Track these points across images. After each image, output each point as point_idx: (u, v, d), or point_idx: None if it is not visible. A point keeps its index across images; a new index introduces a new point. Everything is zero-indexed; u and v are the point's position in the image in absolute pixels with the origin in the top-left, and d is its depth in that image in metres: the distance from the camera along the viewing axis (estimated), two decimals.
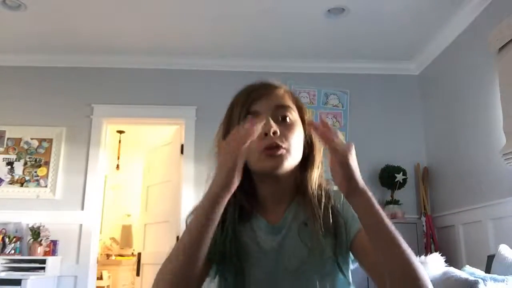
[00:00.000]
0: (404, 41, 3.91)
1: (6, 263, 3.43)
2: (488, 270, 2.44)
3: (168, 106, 4.13)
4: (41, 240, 3.60)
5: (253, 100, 0.97)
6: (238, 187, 0.84)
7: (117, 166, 6.35)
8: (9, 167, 3.89)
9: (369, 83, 4.25)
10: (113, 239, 6.86)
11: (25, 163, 3.90)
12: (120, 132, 6.01)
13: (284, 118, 0.95)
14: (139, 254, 4.39)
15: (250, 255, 0.92)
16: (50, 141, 3.96)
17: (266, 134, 0.90)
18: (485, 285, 1.95)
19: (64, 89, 4.11)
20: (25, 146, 3.93)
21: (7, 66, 4.12)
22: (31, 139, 3.95)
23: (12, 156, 3.91)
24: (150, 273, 4.24)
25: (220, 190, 0.80)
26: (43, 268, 3.43)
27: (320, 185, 0.98)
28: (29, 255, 3.57)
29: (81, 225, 3.81)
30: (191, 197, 3.90)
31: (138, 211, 5.07)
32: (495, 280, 2.01)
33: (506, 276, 2.06)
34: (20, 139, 3.94)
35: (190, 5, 3.39)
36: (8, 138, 3.94)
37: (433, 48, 3.91)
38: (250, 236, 0.94)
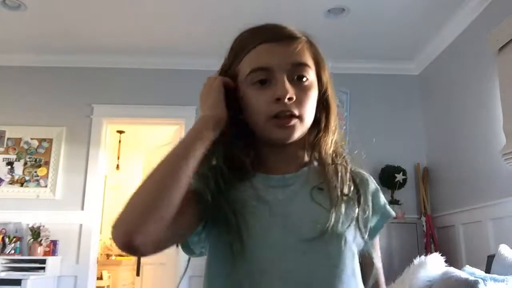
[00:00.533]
0: (404, 41, 3.90)
1: (6, 263, 3.43)
2: (488, 270, 2.44)
3: (168, 106, 4.13)
4: (41, 240, 3.60)
5: (263, 42, 0.80)
6: (234, 139, 0.79)
7: (117, 166, 6.35)
8: (9, 167, 3.89)
9: (369, 83, 4.25)
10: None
11: (25, 163, 3.90)
12: (120, 132, 6.01)
13: (300, 78, 0.80)
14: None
15: (248, 210, 0.76)
16: (50, 141, 3.96)
17: (278, 99, 0.77)
18: (485, 285, 1.95)
19: (64, 89, 4.11)
20: (25, 146, 3.93)
21: (7, 66, 4.12)
22: (31, 139, 3.95)
23: (12, 156, 3.91)
24: (150, 273, 4.24)
25: (202, 124, 0.74)
26: (43, 268, 3.43)
27: (335, 151, 0.85)
28: (29, 255, 3.57)
29: (81, 225, 3.81)
30: None
31: None
32: (495, 280, 2.01)
33: (506, 276, 2.06)
34: (20, 139, 3.94)
35: (190, 5, 3.39)
36: (8, 138, 3.94)
37: (433, 48, 3.91)
38: (249, 193, 0.78)
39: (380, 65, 4.25)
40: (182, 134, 4.09)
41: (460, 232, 3.42)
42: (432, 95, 4.06)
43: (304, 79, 0.80)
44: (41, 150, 3.94)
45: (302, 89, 0.80)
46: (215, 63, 3.70)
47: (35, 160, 3.92)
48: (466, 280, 2.01)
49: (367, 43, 3.91)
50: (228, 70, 0.86)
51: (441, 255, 2.57)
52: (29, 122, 3.99)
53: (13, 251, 3.57)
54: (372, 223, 0.82)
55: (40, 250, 3.57)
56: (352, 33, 3.74)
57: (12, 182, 3.86)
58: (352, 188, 0.81)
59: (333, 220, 0.74)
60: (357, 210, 0.78)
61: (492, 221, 3.04)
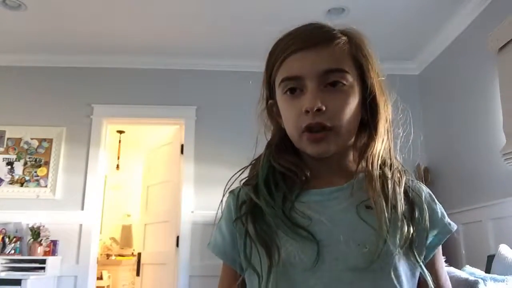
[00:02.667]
0: (404, 41, 3.90)
1: (6, 263, 3.43)
2: (488, 270, 2.44)
3: (168, 106, 4.13)
4: (41, 240, 3.60)
5: (294, 52, 0.74)
6: (280, 152, 0.77)
7: (117, 166, 6.35)
8: (9, 167, 3.89)
9: None
10: (113, 239, 6.87)
11: (25, 163, 3.90)
12: (120, 132, 6.01)
13: (335, 84, 0.73)
14: (139, 254, 4.40)
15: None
16: (50, 141, 3.96)
17: (307, 111, 0.71)
18: (485, 285, 1.95)
19: (64, 89, 4.11)
20: (25, 146, 3.93)
21: (7, 66, 4.12)
22: (31, 139, 3.95)
23: (12, 156, 3.91)
24: (150, 273, 4.24)
25: None
26: (43, 268, 3.43)
27: (385, 162, 0.76)
28: (29, 255, 3.57)
29: (81, 225, 3.81)
30: (191, 197, 3.91)
31: (138, 211, 5.08)
32: (495, 280, 2.01)
33: (506, 276, 2.06)
34: (20, 139, 3.94)
35: (190, 5, 3.39)
36: (8, 138, 3.94)
37: (433, 48, 3.91)
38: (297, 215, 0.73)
39: (380, 65, 4.25)
40: (182, 134, 4.09)
41: (460, 232, 3.42)
42: (432, 95, 4.06)
43: (340, 84, 0.73)
44: (41, 150, 3.94)
45: (336, 96, 0.73)
46: (215, 63, 3.76)
47: (35, 160, 3.92)
48: (466, 280, 2.01)
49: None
50: (269, 79, 0.81)
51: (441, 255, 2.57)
52: (29, 122, 3.99)
53: (13, 251, 3.56)
54: (428, 239, 0.74)
55: (40, 250, 3.57)
56: None
57: (12, 182, 3.86)
58: (404, 206, 0.71)
59: (382, 245, 0.66)
60: (411, 230, 0.69)
61: (492, 221, 3.04)
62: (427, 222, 0.73)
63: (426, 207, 0.74)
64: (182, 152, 4.04)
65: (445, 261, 2.57)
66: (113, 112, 4.12)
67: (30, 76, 4.13)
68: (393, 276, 0.67)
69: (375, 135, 0.77)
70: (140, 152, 5.16)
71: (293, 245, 0.68)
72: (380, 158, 0.76)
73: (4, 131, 3.95)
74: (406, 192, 0.73)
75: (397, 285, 0.67)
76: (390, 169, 0.75)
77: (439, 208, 0.78)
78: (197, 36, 3.86)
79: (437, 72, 3.97)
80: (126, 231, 6.84)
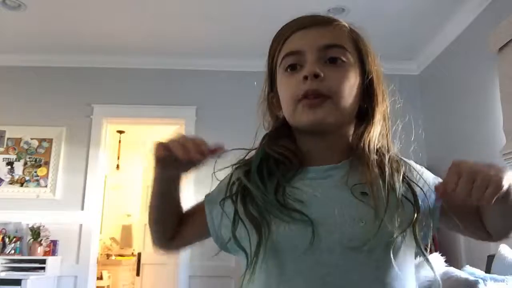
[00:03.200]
0: (405, 41, 3.90)
1: (6, 263, 3.43)
2: (488, 270, 2.44)
3: (168, 106, 4.13)
4: (41, 240, 3.60)
5: (297, 30, 0.76)
6: (275, 139, 0.78)
7: (117, 166, 6.35)
8: (9, 167, 3.89)
9: None
10: (113, 239, 6.87)
11: (25, 163, 3.90)
12: (120, 132, 6.01)
13: (333, 60, 0.74)
14: (139, 254, 4.40)
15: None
16: (50, 141, 3.96)
17: (306, 78, 0.71)
18: (485, 285, 1.95)
19: (64, 89, 4.11)
20: (25, 146, 3.93)
21: (7, 66, 4.12)
22: (31, 139, 3.95)
23: (12, 156, 3.91)
24: (150, 273, 4.24)
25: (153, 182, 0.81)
26: (43, 268, 3.43)
27: (381, 148, 0.76)
28: (29, 255, 3.57)
29: (81, 225, 3.81)
30: (190, 197, 3.88)
31: (138, 211, 5.08)
32: (495, 280, 2.01)
33: (506, 276, 2.06)
34: (20, 139, 3.94)
35: (190, 5, 3.39)
36: (8, 138, 3.94)
37: (433, 48, 3.91)
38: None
39: (381, 66, 4.25)
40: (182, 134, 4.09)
41: None
42: (432, 95, 4.06)
43: (339, 61, 0.74)
44: (41, 150, 3.94)
45: (334, 69, 0.73)
46: (216, 63, 3.75)
47: (35, 160, 3.92)
48: (466, 280, 2.01)
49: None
50: (271, 65, 0.82)
51: (441, 255, 2.57)
52: (29, 122, 3.99)
53: (13, 251, 3.57)
54: (432, 207, 0.73)
55: (40, 250, 3.57)
56: None
57: (12, 182, 3.86)
58: (404, 191, 0.70)
59: (379, 222, 0.65)
60: (414, 215, 0.68)
61: None
62: (430, 198, 0.72)
63: (423, 179, 0.75)
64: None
65: (445, 261, 2.57)
66: (113, 112, 4.12)
67: (30, 76, 4.13)
68: (392, 257, 0.65)
69: (372, 120, 0.77)
70: (140, 152, 5.17)
71: (289, 226, 0.68)
72: (377, 143, 0.75)
73: (4, 131, 3.95)
74: (404, 177, 0.73)
75: (396, 267, 0.66)
76: (387, 155, 0.75)
77: (430, 174, 0.79)
78: (197, 36, 3.86)
79: (437, 72, 3.97)
80: (126, 231, 6.84)
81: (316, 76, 0.71)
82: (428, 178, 0.77)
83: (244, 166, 0.78)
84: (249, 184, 0.74)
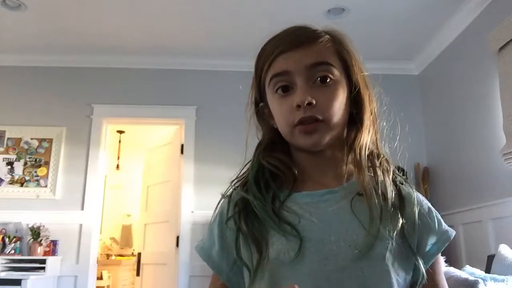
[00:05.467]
0: (404, 41, 3.90)
1: (6, 263, 3.43)
2: (488, 270, 2.44)
3: (168, 106, 4.13)
4: (41, 240, 3.60)
5: (281, 53, 0.77)
6: (271, 151, 0.80)
7: (117, 166, 6.36)
8: (9, 167, 3.89)
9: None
10: (113, 239, 6.87)
11: (25, 163, 3.90)
12: (120, 132, 6.01)
13: (323, 79, 0.76)
14: (139, 254, 4.40)
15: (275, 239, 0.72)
16: (50, 141, 3.96)
17: (299, 106, 0.74)
18: (485, 285, 1.95)
19: (64, 89, 4.11)
20: (25, 146, 3.93)
21: (7, 66, 4.12)
22: (31, 139, 3.95)
23: (12, 156, 3.91)
24: (150, 273, 4.24)
25: None
26: (43, 268, 3.43)
27: (372, 153, 0.79)
28: (29, 255, 3.57)
29: (81, 225, 3.81)
30: (191, 197, 3.91)
31: (138, 211, 5.08)
32: (495, 280, 2.01)
33: (506, 276, 2.06)
34: (20, 139, 3.94)
35: (190, 5, 3.39)
36: (8, 138, 3.94)
37: (433, 48, 3.91)
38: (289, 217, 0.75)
39: (380, 65, 4.24)
40: (182, 134, 4.09)
41: (460, 232, 3.42)
42: (432, 95, 4.06)
43: (328, 79, 0.76)
44: (41, 150, 3.94)
45: (325, 91, 0.75)
46: (215, 63, 3.75)
47: (35, 160, 3.92)
48: (466, 280, 2.01)
49: (367, 43, 3.90)
50: (259, 81, 0.83)
51: (441, 255, 2.56)
52: (29, 122, 3.99)
53: (13, 251, 3.57)
54: (426, 247, 0.75)
55: (40, 250, 3.57)
56: (352, 33, 3.68)
57: (12, 182, 3.86)
58: (394, 195, 0.74)
59: (370, 239, 0.68)
60: (401, 221, 0.71)
61: (492, 221, 3.04)
62: (416, 218, 0.74)
63: (419, 208, 0.76)
64: (182, 152, 4.04)
65: (445, 261, 2.57)
66: (113, 112, 4.12)
67: (30, 76, 4.13)
68: (385, 277, 0.69)
69: (361, 127, 0.79)
70: (140, 152, 5.16)
71: (283, 242, 0.70)
72: (367, 149, 0.78)
73: (4, 131, 3.95)
74: (395, 183, 0.77)
75: (384, 275, 0.69)
76: (378, 159, 0.78)
77: (436, 215, 0.79)
78: (197, 36, 3.86)
79: (437, 72, 3.97)
80: (126, 231, 6.85)
81: (309, 104, 0.73)
82: (431, 216, 0.78)
83: (241, 180, 0.81)
84: (248, 195, 0.75)
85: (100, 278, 5.38)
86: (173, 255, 3.87)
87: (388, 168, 0.78)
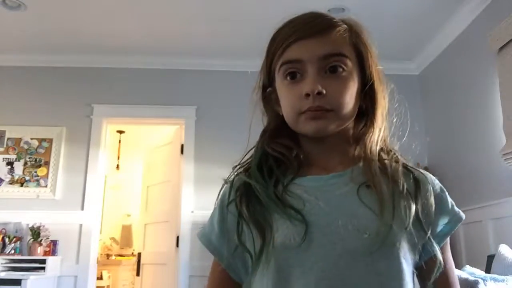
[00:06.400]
0: (404, 41, 3.90)
1: (6, 263, 3.43)
2: (488, 270, 2.44)
3: (168, 106, 4.13)
4: (41, 240, 3.60)
5: (296, 40, 0.75)
6: (275, 138, 0.78)
7: (117, 166, 6.36)
8: (9, 167, 3.88)
9: None
10: (113, 239, 6.87)
11: (25, 163, 3.90)
12: (120, 132, 6.01)
13: (334, 69, 0.74)
14: (139, 254, 4.39)
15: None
16: (50, 141, 3.96)
17: (307, 95, 0.72)
18: (485, 285, 1.95)
19: (64, 89, 4.11)
20: (25, 146, 3.93)
21: (7, 66, 4.12)
22: (31, 139, 3.95)
23: (12, 156, 3.91)
24: (150, 273, 4.24)
25: None
26: (43, 268, 3.43)
27: (383, 149, 0.77)
28: (29, 255, 3.57)
29: (81, 225, 3.81)
30: (191, 197, 3.90)
31: (138, 211, 5.08)
32: (495, 280, 2.01)
33: (506, 276, 2.06)
34: (20, 139, 3.94)
35: (190, 5, 3.39)
36: (8, 138, 3.94)
37: (433, 48, 3.91)
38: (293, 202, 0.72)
39: (380, 65, 4.25)
40: (182, 134, 4.09)
41: (460, 232, 3.42)
42: (432, 95, 4.06)
43: (340, 69, 0.74)
44: (41, 150, 3.94)
45: (336, 82, 0.73)
46: (215, 63, 3.75)
47: (35, 160, 3.92)
48: (466, 280, 2.01)
49: None
50: (269, 66, 0.81)
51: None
52: (29, 122, 3.99)
53: (13, 251, 3.56)
54: (438, 227, 0.73)
55: (40, 250, 3.57)
56: None
57: (12, 182, 3.85)
58: (405, 185, 0.70)
59: (383, 228, 0.65)
60: (414, 207, 0.69)
61: (492, 221, 3.03)
62: (432, 202, 0.72)
63: (431, 190, 0.73)
64: (182, 152, 4.04)
65: None
66: (113, 112, 4.12)
67: (30, 76, 4.13)
68: (394, 256, 0.66)
69: (374, 123, 0.78)
70: (140, 152, 5.16)
71: (288, 227, 0.68)
72: (378, 145, 0.76)
73: (4, 131, 3.95)
74: (408, 170, 0.74)
75: (398, 270, 0.66)
76: (388, 155, 0.77)
77: (448, 197, 0.77)
78: (197, 36, 3.86)
79: (437, 72, 3.96)
80: (126, 231, 6.84)
81: (318, 93, 0.71)
82: (443, 197, 0.76)
83: (243, 171, 0.79)
84: (250, 180, 0.74)
85: (100, 278, 5.38)
86: (173, 255, 3.87)
87: (398, 159, 0.75)
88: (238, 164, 0.81)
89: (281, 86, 0.78)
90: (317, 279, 0.65)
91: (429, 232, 0.70)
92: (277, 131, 0.81)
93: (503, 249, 2.43)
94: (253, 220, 0.70)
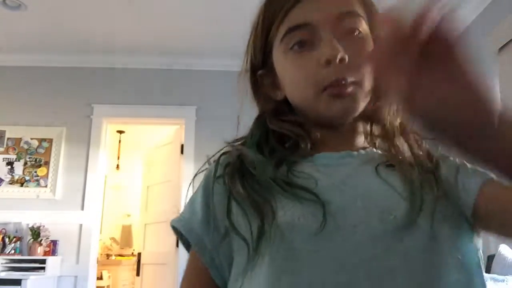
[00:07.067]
0: None
1: (6, 263, 3.43)
2: (488, 270, 2.44)
3: (168, 106, 4.13)
4: (41, 240, 3.60)
5: (300, 5, 0.61)
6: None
7: (117, 166, 6.36)
8: (9, 167, 3.88)
9: None
10: (113, 239, 6.87)
11: (25, 163, 3.90)
12: (120, 132, 6.01)
13: (351, 31, 0.62)
14: (139, 254, 4.39)
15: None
16: (50, 141, 3.96)
17: (328, 62, 0.59)
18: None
19: (64, 89, 4.11)
20: (25, 146, 3.93)
21: (7, 66, 4.12)
22: (31, 139, 3.95)
23: (12, 156, 3.91)
24: (150, 273, 4.24)
25: None
26: (43, 268, 3.43)
27: (402, 124, 0.64)
28: (29, 255, 3.57)
29: (81, 225, 3.81)
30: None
31: (138, 211, 5.07)
32: (495, 280, 2.01)
33: (506, 276, 2.06)
34: (20, 139, 3.94)
35: (190, 5, 3.39)
36: (8, 138, 3.94)
37: None
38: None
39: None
40: (182, 134, 4.09)
41: None
42: None
43: (356, 32, 0.62)
44: (41, 150, 3.94)
45: (354, 44, 0.60)
46: (215, 63, 3.75)
47: (35, 160, 3.92)
48: None
49: None
50: (265, 38, 0.67)
51: None
52: (29, 122, 3.99)
53: (13, 251, 3.57)
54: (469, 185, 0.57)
55: (40, 250, 3.57)
56: None
57: (12, 182, 3.85)
58: (432, 162, 0.59)
59: (411, 208, 0.53)
60: (442, 185, 0.56)
61: None
62: (457, 169, 0.59)
63: (455, 165, 0.60)
64: (182, 152, 4.04)
65: None
66: (113, 112, 4.12)
67: (30, 76, 4.12)
68: (428, 246, 0.53)
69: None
70: (140, 152, 5.17)
71: (296, 206, 0.54)
72: (398, 119, 0.63)
73: (4, 131, 3.95)
74: (429, 153, 0.62)
75: (435, 255, 0.52)
76: (407, 133, 0.64)
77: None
78: (197, 36, 3.86)
79: None
80: (126, 231, 6.84)
81: (341, 61, 0.58)
82: (466, 167, 0.60)
83: (235, 151, 0.64)
84: (245, 153, 0.62)
85: (100, 278, 5.38)
86: (173, 255, 3.87)
87: (420, 138, 0.63)
88: (231, 141, 0.69)
89: (285, 59, 0.64)
90: (332, 271, 0.52)
91: (460, 205, 0.55)
92: (280, 111, 0.67)
93: (503, 249, 2.43)
94: (249, 200, 0.56)
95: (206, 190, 0.63)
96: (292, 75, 0.64)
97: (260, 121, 0.68)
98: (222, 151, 0.66)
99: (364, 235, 0.52)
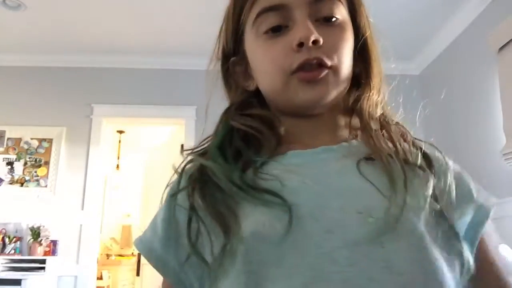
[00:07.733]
0: (404, 41, 3.90)
1: (6, 263, 3.43)
2: None
3: (168, 106, 4.13)
4: (41, 240, 3.60)
5: None
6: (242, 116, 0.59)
7: (117, 166, 6.35)
8: (9, 167, 3.88)
9: None
10: (113, 239, 6.87)
11: (25, 163, 3.90)
12: (120, 132, 6.01)
13: (328, 18, 0.58)
14: (139, 254, 4.39)
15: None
16: (50, 141, 3.96)
17: (301, 45, 0.54)
18: None
19: (64, 89, 4.11)
20: (25, 146, 3.93)
21: (7, 66, 4.11)
22: (31, 139, 3.95)
23: (12, 156, 3.91)
24: (150, 273, 4.24)
25: None
26: (43, 268, 3.43)
27: (384, 115, 0.62)
28: (29, 255, 3.56)
29: (81, 225, 3.81)
30: None
31: (138, 211, 5.08)
32: None
33: None
34: (20, 139, 3.94)
35: (190, 4, 3.39)
36: (8, 138, 3.94)
37: (433, 48, 3.91)
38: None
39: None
40: (182, 134, 4.09)
41: None
42: (432, 95, 4.06)
43: (333, 18, 0.58)
44: (41, 150, 3.94)
45: (332, 32, 0.57)
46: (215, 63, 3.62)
47: (35, 160, 3.92)
48: None
49: None
50: (236, 23, 0.63)
51: None
52: (29, 122, 3.99)
53: (13, 251, 3.56)
54: (466, 216, 0.59)
55: (40, 250, 3.56)
56: None
57: (12, 182, 3.85)
58: (419, 156, 0.56)
59: (393, 208, 0.47)
60: (432, 181, 0.53)
61: (492, 221, 3.03)
62: (452, 179, 0.60)
63: (448, 164, 0.59)
64: (182, 152, 4.04)
65: None
66: (113, 112, 4.11)
67: (30, 76, 4.12)
68: (415, 249, 0.48)
69: (370, 83, 0.62)
70: (140, 152, 5.17)
71: (263, 212, 0.49)
72: (379, 109, 0.61)
73: (4, 131, 3.95)
74: (414, 144, 0.59)
75: (419, 254, 0.48)
76: (392, 121, 0.62)
77: (470, 180, 0.62)
78: (197, 36, 3.85)
79: (437, 72, 3.96)
80: (126, 231, 6.84)
81: (314, 42, 0.54)
82: (464, 179, 0.60)
83: (200, 156, 0.61)
84: (206, 162, 0.57)
85: (100, 278, 5.38)
86: None
87: (404, 130, 0.61)
88: (191, 149, 0.64)
89: (256, 44, 0.60)
90: (306, 282, 0.46)
91: (453, 217, 0.54)
92: (246, 104, 0.63)
93: (503, 249, 2.43)
94: (211, 213, 0.52)
95: (168, 205, 0.59)
96: (261, 61, 0.60)
97: (226, 116, 0.63)
98: (188, 159, 0.62)
99: (340, 241, 0.47)
